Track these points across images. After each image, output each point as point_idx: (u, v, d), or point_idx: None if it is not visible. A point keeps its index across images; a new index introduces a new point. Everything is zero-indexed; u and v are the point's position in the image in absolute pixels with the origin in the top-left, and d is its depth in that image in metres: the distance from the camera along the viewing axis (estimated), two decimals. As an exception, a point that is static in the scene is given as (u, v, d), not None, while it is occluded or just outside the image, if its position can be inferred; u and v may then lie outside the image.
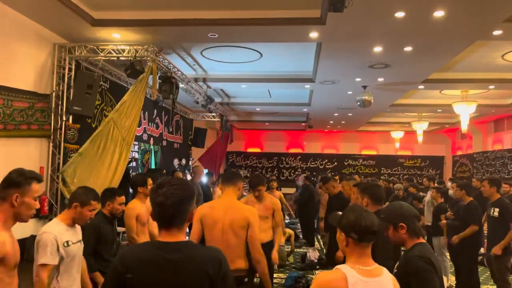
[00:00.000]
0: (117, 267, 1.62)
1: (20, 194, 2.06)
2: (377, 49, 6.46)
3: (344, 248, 1.91)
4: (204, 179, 8.04)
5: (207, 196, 7.33)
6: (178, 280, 1.60)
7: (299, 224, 10.20)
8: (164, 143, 10.90)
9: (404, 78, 8.33)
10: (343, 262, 1.92)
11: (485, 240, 5.35)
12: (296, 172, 18.14)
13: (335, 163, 18.95)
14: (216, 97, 10.79)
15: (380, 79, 8.41)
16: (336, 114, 13.37)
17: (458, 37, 5.87)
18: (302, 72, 8.57)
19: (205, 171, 9.25)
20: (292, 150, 19.29)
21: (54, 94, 5.91)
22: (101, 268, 3.21)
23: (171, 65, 7.03)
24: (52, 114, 5.90)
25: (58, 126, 5.98)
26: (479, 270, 5.81)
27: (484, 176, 13.18)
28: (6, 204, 2.05)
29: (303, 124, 15.80)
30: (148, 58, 6.08)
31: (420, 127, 13.97)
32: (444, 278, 5.67)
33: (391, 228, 2.34)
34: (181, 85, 7.56)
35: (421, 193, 7.74)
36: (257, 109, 13.14)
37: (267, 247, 4.35)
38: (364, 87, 8.96)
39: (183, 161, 11.71)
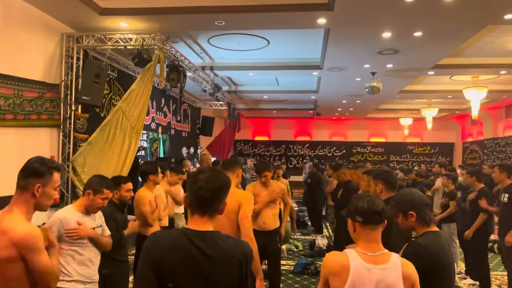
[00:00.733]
0: (152, 252, 1.61)
1: (42, 184, 1.99)
2: (386, 34, 6.37)
3: (353, 234, 1.93)
4: (211, 167, 8.06)
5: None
6: (214, 271, 1.61)
7: (306, 212, 10.24)
8: (172, 131, 10.94)
9: (414, 64, 8.22)
10: None
11: (496, 227, 5.32)
12: (304, 160, 18.14)
13: (344, 151, 18.89)
14: (224, 85, 10.76)
15: (389, 65, 8.31)
16: (344, 101, 13.28)
17: (469, 22, 5.76)
18: (310, 59, 8.50)
19: (213, 159, 9.29)
20: (300, 138, 19.25)
21: (63, 84, 5.93)
22: (113, 255, 3.26)
23: (178, 54, 7.02)
24: (62, 104, 5.94)
25: (68, 116, 6.02)
26: (489, 256, 5.81)
27: (494, 162, 13.06)
28: (27, 194, 1.98)
29: (311, 111, 15.74)
30: (155, 47, 6.06)
31: (430, 113, 13.82)
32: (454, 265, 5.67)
33: (400, 216, 2.32)
34: (188, 74, 7.54)
35: (433, 178, 7.71)
36: (265, 97, 13.10)
37: (274, 234, 4.37)
38: (373, 73, 8.87)
39: (192, 150, 11.76)
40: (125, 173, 5.69)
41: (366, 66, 8.37)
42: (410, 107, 14.79)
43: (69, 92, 6.01)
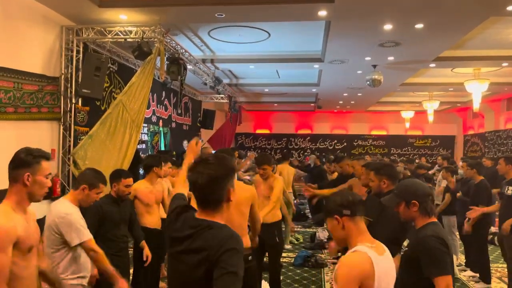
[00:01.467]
0: (167, 231, 1.79)
1: (31, 173, 2.02)
2: (388, 26, 6.32)
3: (342, 232, 1.87)
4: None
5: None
6: (182, 260, 1.65)
7: (307, 205, 10.26)
8: (173, 125, 10.94)
9: (415, 57, 8.18)
10: (339, 252, 1.95)
11: (496, 219, 5.32)
12: (305, 153, 18.13)
13: (345, 144, 18.87)
14: (224, 78, 10.73)
15: (390, 58, 8.27)
16: (346, 94, 13.24)
17: (471, 13, 5.72)
18: (311, 52, 8.46)
19: (213, 152, 9.29)
20: (301, 131, 19.22)
21: (63, 76, 5.92)
22: (105, 249, 3.23)
23: (178, 46, 6.99)
24: (62, 97, 5.93)
25: (68, 109, 6.01)
26: (489, 248, 5.81)
27: (495, 155, 13.04)
28: (19, 185, 2.01)
29: (312, 104, 15.70)
30: (156, 40, 6.04)
31: (431, 106, 13.78)
32: (454, 257, 5.69)
33: (402, 205, 2.31)
34: (189, 67, 7.52)
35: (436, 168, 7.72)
36: (266, 90, 13.06)
37: (273, 227, 4.37)
38: (374, 66, 8.83)
39: (193, 143, 11.74)
40: (126, 166, 5.69)
41: (367, 58, 8.33)
42: (412, 100, 14.74)
43: (69, 85, 5.99)
